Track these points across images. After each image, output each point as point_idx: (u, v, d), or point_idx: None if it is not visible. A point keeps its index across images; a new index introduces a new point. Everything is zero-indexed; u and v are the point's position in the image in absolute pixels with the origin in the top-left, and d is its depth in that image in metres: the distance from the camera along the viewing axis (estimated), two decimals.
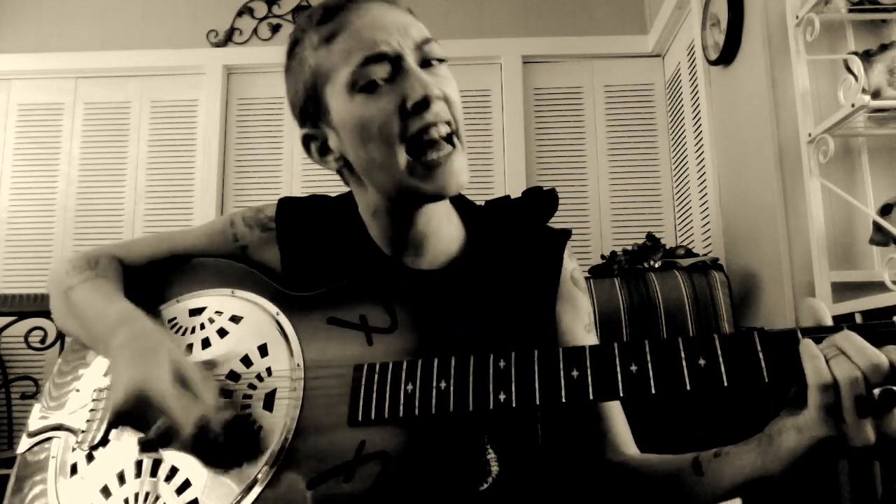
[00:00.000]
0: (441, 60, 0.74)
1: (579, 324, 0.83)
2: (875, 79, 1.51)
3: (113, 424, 0.64)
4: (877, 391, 0.52)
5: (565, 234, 0.86)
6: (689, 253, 2.02)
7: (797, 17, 1.66)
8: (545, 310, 0.82)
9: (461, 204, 0.86)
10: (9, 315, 2.23)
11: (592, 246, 2.74)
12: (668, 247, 2.02)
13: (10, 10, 3.05)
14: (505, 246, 0.83)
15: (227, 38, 3.00)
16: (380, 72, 0.69)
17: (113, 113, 2.96)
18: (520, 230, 0.85)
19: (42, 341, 2.23)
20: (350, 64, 0.70)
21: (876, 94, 1.49)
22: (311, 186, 2.86)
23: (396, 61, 0.70)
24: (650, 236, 2.02)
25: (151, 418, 0.62)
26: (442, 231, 0.81)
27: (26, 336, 2.19)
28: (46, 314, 2.24)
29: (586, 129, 2.87)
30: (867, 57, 1.53)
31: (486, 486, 0.68)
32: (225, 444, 0.64)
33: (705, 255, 2.16)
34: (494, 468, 0.69)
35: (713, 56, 2.20)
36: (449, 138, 0.72)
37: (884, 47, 1.53)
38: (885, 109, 1.50)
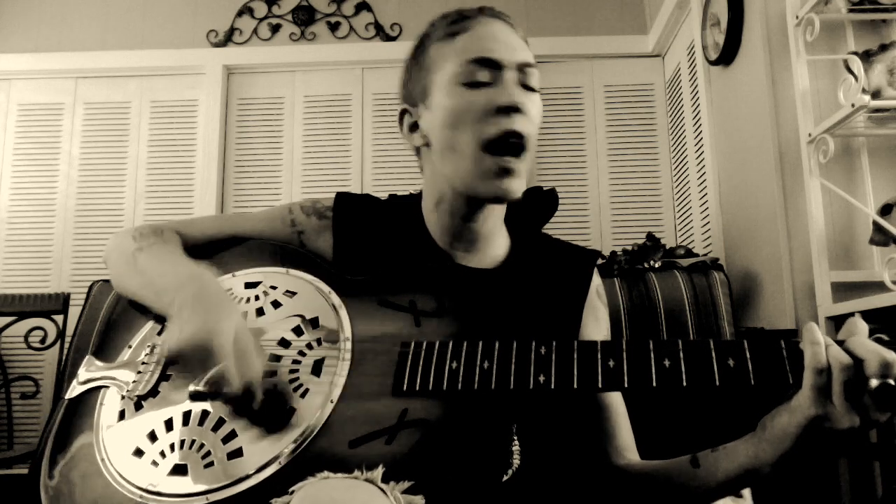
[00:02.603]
0: (535, 90, 0.82)
1: (599, 333, 0.90)
2: (875, 79, 1.51)
3: (169, 361, 0.69)
4: (875, 382, 0.56)
5: (595, 255, 0.93)
6: (689, 253, 2.02)
7: (797, 17, 1.66)
8: (573, 317, 0.87)
9: (509, 216, 0.93)
10: (9, 315, 2.23)
11: (592, 246, 2.73)
12: (668, 247, 2.02)
13: (10, 10, 3.05)
14: (543, 259, 0.90)
15: (227, 38, 3.00)
16: (482, 74, 0.79)
17: (113, 113, 2.96)
18: (556, 246, 0.93)
19: (42, 341, 2.23)
20: (461, 59, 0.79)
21: (876, 94, 1.49)
22: (311, 187, 2.86)
23: (497, 69, 0.79)
24: (650, 236, 2.02)
25: (206, 367, 0.65)
26: (494, 236, 0.88)
27: (26, 336, 2.19)
28: (46, 314, 2.25)
29: (586, 129, 2.87)
30: (867, 57, 1.53)
31: (506, 477, 0.71)
32: (259, 412, 0.68)
33: (705, 255, 2.16)
34: (516, 461, 0.72)
35: (713, 56, 2.20)
36: (521, 151, 0.79)
37: (884, 47, 1.53)
38: (885, 109, 1.50)
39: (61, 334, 2.23)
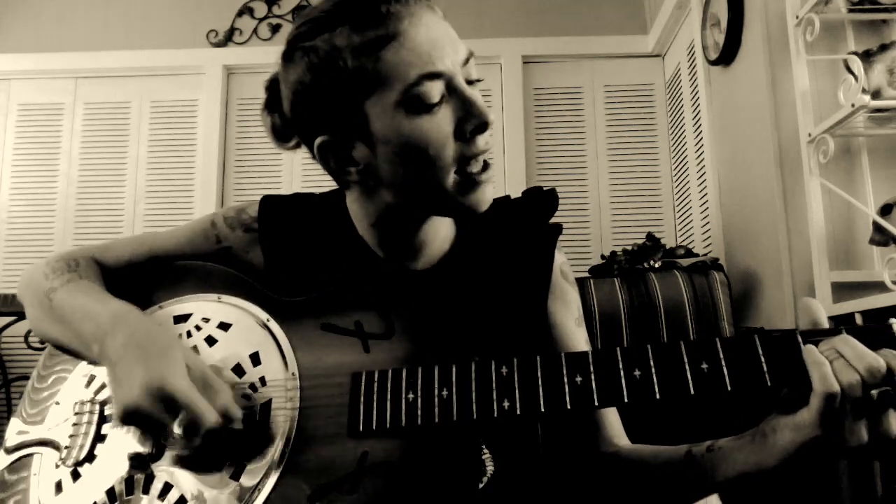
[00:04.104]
0: (478, 80, 0.72)
1: (570, 317, 0.83)
2: (875, 79, 1.51)
3: (125, 422, 0.62)
4: (874, 392, 0.53)
5: (557, 229, 0.85)
6: (689, 253, 2.02)
7: (797, 17, 1.66)
8: (537, 304, 0.81)
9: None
10: (9, 315, 2.23)
11: (592, 246, 2.73)
12: (668, 247, 2.02)
13: (10, 10, 3.05)
14: (496, 241, 0.82)
15: (227, 38, 3.00)
16: (433, 92, 0.66)
17: (113, 113, 2.96)
18: (511, 224, 0.84)
19: (42, 341, 2.23)
20: (404, 80, 0.65)
21: (876, 94, 1.49)
22: (312, 187, 2.86)
23: (449, 81, 0.67)
24: (650, 236, 2.02)
25: (170, 415, 0.60)
26: (439, 234, 0.81)
27: (26, 336, 2.18)
28: None
29: (586, 129, 2.87)
30: (867, 57, 1.53)
31: (482, 484, 0.67)
32: (238, 440, 0.63)
33: (705, 255, 2.16)
34: (489, 467, 0.68)
35: (713, 56, 2.20)
36: (489, 165, 0.72)
37: (884, 47, 1.53)
38: (885, 109, 1.50)
39: None
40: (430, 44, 0.66)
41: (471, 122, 0.68)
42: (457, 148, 0.68)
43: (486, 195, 0.72)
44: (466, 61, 0.69)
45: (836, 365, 0.54)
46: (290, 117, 0.74)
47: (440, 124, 0.67)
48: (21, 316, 2.24)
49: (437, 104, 0.66)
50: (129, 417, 0.61)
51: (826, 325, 0.60)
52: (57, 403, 0.74)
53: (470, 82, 0.70)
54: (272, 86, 0.77)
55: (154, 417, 0.60)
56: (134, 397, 0.60)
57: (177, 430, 0.60)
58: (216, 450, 0.63)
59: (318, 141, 0.71)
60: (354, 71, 0.66)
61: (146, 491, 0.64)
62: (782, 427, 0.59)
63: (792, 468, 0.59)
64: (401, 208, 0.75)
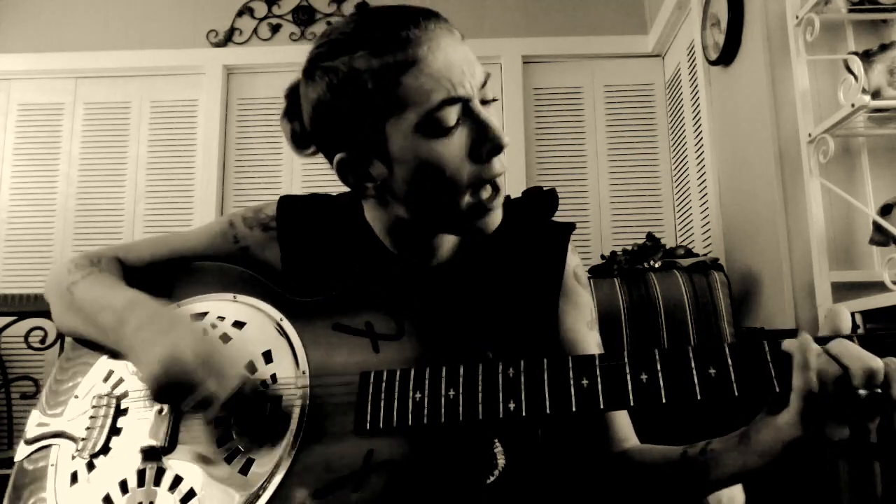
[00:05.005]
0: (494, 100, 0.73)
1: (582, 321, 0.83)
2: (875, 79, 1.51)
3: (159, 400, 0.66)
4: (862, 392, 0.53)
5: (569, 228, 0.85)
6: (689, 253, 2.02)
7: (797, 17, 1.66)
8: (548, 305, 0.82)
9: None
10: (9, 315, 2.23)
11: (592, 246, 2.73)
12: (668, 247, 2.02)
13: (10, 10, 3.05)
14: (508, 238, 0.82)
15: (227, 38, 3.00)
16: (450, 116, 0.68)
17: (113, 113, 2.96)
18: (520, 223, 0.84)
19: (42, 341, 2.23)
20: (423, 105, 0.67)
21: (876, 94, 1.49)
22: (312, 187, 2.86)
23: (466, 104, 0.69)
24: (650, 236, 2.02)
25: (187, 388, 0.63)
26: (450, 238, 0.82)
27: (26, 336, 2.19)
28: (46, 314, 2.23)
29: (586, 129, 2.87)
30: (867, 57, 1.53)
31: (493, 478, 0.68)
32: (254, 414, 0.66)
33: (705, 255, 2.16)
34: (501, 460, 0.69)
35: (713, 56, 2.20)
36: (500, 188, 0.73)
37: (884, 47, 1.53)
38: (885, 109, 1.50)
39: (61, 334, 2.23)
40: (448, 69, 0.67)
41: (486, 145, 0.69)
42: (472, 170, 0.70)
43: (496, 219, 0.74)
44: (484, 84, 0.71)
45: (818, 360, 0.54)
46: (309, 131, 0.77)
47: (456, 147, 0.69)
48: (21, 316, 2.24)
49: (453, 127, 0.68)
50: (159, 395, 0.65)
51: (847, 334, 0.59)
52: (76, 397, 0.78)
53: (485, 102, 0.71)
54: (292, 94, 0.79)
55: (177, 388, 0.64)
56: (154, 373, 0.64)
57: (190, 404, 0.64)
58: (247, 408, 0.66)
59: (337, 158, 0.73)
60: (374, 94, 0.68)
61: (157, 483, 0.66)
62: (765, 427, 0.59)
63: (778, 467, 0.59)
64: (413, 222, 0.76)
